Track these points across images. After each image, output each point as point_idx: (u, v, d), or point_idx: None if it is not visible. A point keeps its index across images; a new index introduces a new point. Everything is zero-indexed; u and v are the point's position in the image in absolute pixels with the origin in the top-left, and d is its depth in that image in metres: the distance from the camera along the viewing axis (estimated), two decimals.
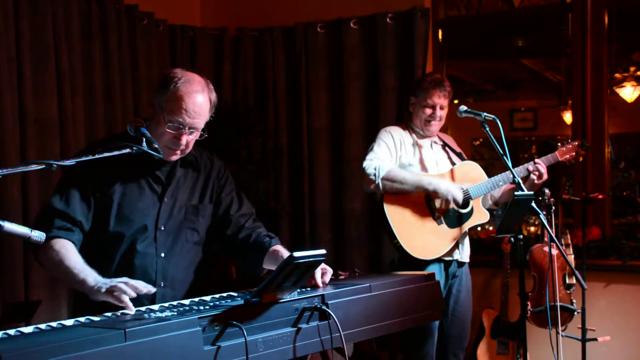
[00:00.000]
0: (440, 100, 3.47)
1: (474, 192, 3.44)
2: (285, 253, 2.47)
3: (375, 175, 3.35)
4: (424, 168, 3.48)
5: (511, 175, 3.17)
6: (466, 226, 3.46)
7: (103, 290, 2.11)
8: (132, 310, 2.08)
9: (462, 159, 3.60)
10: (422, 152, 3.49)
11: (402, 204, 3.38)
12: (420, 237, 3.36)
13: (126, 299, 2.09)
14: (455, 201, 3.33)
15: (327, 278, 2.40)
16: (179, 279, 2.51)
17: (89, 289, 2.15)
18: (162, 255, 2.45)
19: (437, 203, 3.39)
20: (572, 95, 4.72)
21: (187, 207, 2.52)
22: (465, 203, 3.44)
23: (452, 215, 3.42)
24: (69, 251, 2.28)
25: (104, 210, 2.39)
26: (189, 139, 2.39)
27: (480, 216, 3.48)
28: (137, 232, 2.41)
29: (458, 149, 3.70)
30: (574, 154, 3.65)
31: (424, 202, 3.40)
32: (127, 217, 2.40)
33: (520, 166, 3.50)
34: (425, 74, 3.84)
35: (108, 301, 2.11)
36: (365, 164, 3.42)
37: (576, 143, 3.66)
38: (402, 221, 3.36)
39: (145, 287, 2.16)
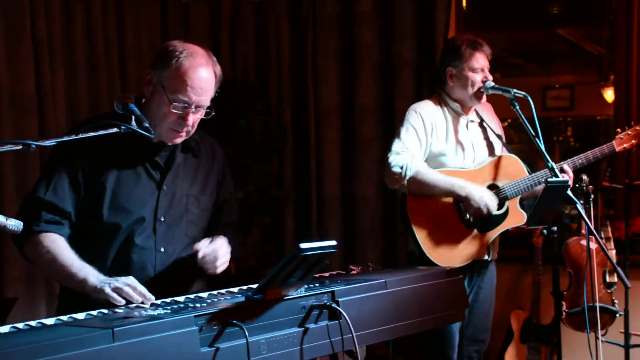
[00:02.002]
0: (486, 61, 3.44)
1: (510, 192, 3.41)
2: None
3: (401, 175, 3.31)
4: (458, 154, 3.45)
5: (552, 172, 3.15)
6: (499, 230, 3.43)
7: (107, 290, 2.16)
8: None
9: (501, 140, 3.57)
10: (457, 136, 3.46)
11: (428, 205, 3.35)
12: (446, 244, 3.35)
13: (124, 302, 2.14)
14: (488, 211, 3.31)
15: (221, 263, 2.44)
16: (178, 276, 2.52)
17: (92, 288, 2.20)
18: (162, 249, 2.47)
19: (468, 210, 3.36)
20: (614, 69, 4.70)
21: (188, 197, 2.53)
22: (500, 204, 3.42)
23: (484, 218, 3.40)
24: (61, 247, 2.31)
25: (96, 199, 2.39)
26: (195, 119, 2.40)
27: (515, 218, 3.45)
28: (135, 223, 2.42)
29: (498, 123, 3.67)
30: (634, 142, 3.51)
31: (453, 203, 3.38)
32: (123, 206, 2.41)
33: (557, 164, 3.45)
34: (453, 38, 3.77)
35: (109, 300, 2.15)
36: (392, 158, 3.34)
37: (638, 128, 3.52)
38: (426, 224, 3.34)
39: (147, 299, 2.19)
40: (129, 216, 2.41)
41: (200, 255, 2.42)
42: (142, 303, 2.17)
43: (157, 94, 2.38)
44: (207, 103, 2.41)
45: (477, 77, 3.41)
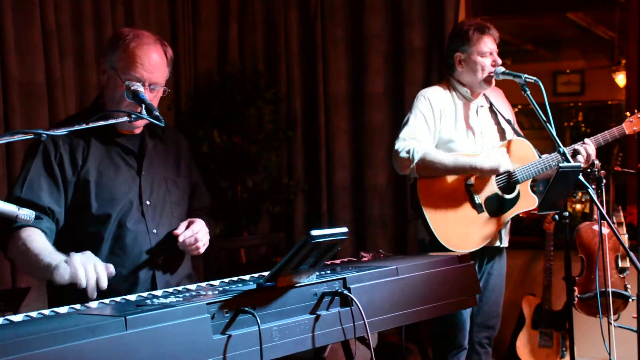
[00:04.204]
0: (494, 45, 3.42)
1: (521, 175, 3.39)
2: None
3: (409, 159, 3.30)
4: (469, 139, 3.43)
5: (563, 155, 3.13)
6: (510, 214, 3.42)
7: (62, 269, 2.12)
8: (93, 295, 2.10)
9: (511, 125, 3.56)
10: (466, 122, 3.44)
11: (439, 190, 3.35)
12: (458, 228, 3.34)
13: (88, 283, 2.11)
14: (503, 170, 3.29)
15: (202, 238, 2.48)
16: (173, 256, 2.58)
17: (51, 271, 2.14)
18: (154, 231, 2.52)
19: (477, 182, 3.35)
20: (626, 53, 4.66)
21: (166, 180, 2.61)
22: (511, 188, 3.41)
23: (495, 202, 3.38)
24: (34, 240, 2.29)
25: (82, 193, 2.43)
26: (150, 97, 2.44)
27: (526, 202, 3.43)
28: (124, 209, 2.48)
29: (509, 108, 3.65)
30: None
31: (464, 188, 3.37)
32: (110, 195, 2.46)
33: (568, 147, 3.43)
34: (461, 22, 3.75)
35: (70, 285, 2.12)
36: (398, 144, 3.33)
37: None
38: (437, 208, 3.34)
39: (107, 270, 2.17)
40: (116, 204, 2.46)
41: (180, 239, 2.46)
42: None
43: (111, 78, 2.44)
44: (161, 82, 2.48)
45: (487, 62, 3.39)
